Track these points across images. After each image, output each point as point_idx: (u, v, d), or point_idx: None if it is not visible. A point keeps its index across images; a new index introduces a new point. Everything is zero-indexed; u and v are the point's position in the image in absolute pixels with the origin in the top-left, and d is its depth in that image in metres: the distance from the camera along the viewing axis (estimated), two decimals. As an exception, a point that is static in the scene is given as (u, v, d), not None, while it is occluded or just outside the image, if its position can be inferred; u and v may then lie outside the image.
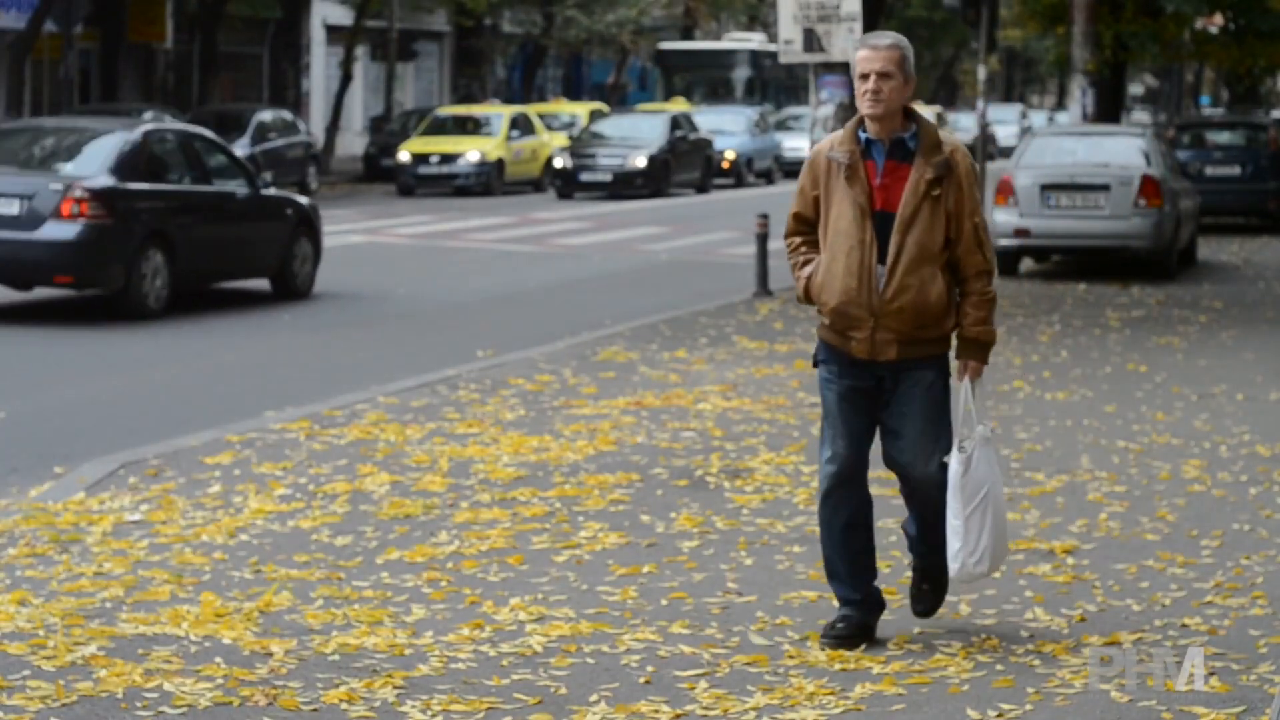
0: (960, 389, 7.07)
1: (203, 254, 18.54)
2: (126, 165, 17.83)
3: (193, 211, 18.59)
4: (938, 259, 7.00)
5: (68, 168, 17.94)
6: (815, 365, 7.23)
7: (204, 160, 19.18)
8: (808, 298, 7.19)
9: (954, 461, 7.08)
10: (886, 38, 7.09)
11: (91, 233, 17.16)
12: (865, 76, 6.98)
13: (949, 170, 6.97)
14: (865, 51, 7.02)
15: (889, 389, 7.11)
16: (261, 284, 19.77)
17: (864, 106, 6.98)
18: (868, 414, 7.14)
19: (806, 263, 7.23)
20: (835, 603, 7.29)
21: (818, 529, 8.97)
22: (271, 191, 20.00)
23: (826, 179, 7.11)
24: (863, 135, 7.07)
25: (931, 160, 6.97)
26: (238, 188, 19.31)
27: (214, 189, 19.00)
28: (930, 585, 7.35)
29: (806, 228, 7.26)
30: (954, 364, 7.24)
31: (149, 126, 19.41)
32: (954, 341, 7.20)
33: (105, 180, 17.47)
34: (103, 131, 18.86)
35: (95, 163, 17.86)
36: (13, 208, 17.26)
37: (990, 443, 7.16)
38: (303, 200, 20.63)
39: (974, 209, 7.02)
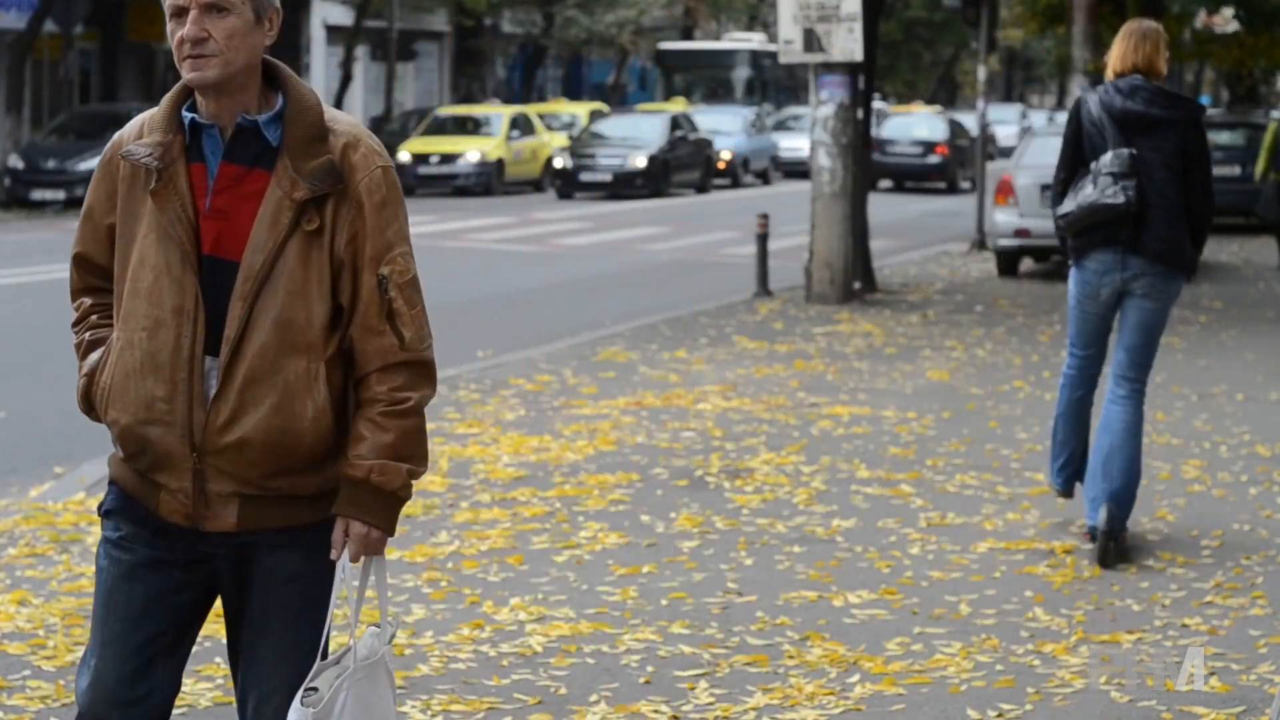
0: (337, 574, 4.10)
1: None
2: None
3: None
4: (321, 345, 4.01)
5: None
6: (103, 523, 4.29)
7: None
8: (89, 406, 4.22)
9: (294, 716, 4.04)
10: None
11: None
12: (179, 13, 4.02)
13: (338, 182, 3.99)
14: None
15: (229, 582, 4.14)
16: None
17: (183, 68, 4.01)
18: (187, 616, 4.17)
19: (94, 345, 4.19)
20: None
21: (817, 529, 9.01)
22: None
23: (128, 195, 4.09)
24: (188, 116, 4.08)
25: (307, 164, 3.99)
26: None
27: None
28: None
29: (99, 280, 4.20)
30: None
31: None
32: None
33: None
34: None
35: None
36: None
37: (378, 670, 4.12)
38: None
39: (385, 249, 4.02)
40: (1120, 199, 8.27)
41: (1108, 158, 8.34)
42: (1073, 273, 8.60)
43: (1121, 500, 8.40)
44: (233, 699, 4.02)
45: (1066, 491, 9.04)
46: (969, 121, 56.05)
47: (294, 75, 4.11)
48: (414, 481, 4.13)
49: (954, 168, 43.32)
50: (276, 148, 4.01)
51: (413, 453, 4.09)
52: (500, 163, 40.13)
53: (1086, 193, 8.40)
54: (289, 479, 4.03)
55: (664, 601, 7.74)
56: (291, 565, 4.08)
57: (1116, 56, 8.47)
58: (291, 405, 3.98)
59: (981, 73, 28.57)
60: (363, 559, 4.11)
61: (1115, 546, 8.39)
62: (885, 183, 43.05)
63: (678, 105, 49.13)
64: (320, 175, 3.98)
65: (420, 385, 4.07)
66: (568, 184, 38.75)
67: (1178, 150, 8.36)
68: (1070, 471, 8.91)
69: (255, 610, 4.11)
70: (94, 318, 4.20)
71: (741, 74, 58.11)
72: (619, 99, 60.51)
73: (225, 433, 3.98)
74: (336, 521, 4.06)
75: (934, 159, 43.27)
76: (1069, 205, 8.47)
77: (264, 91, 4.06)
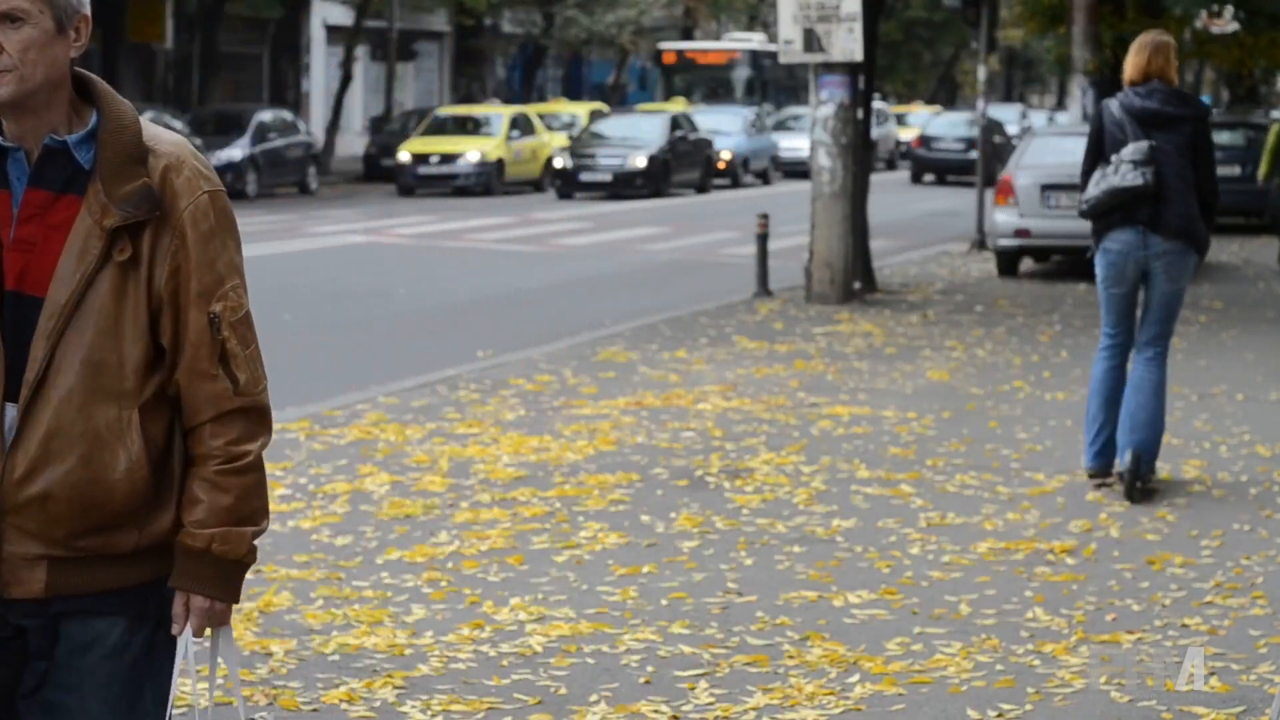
0: (180, 649, 3.68)
1: None
2: None
3: None
4: (135, 390, 3.58)
5: None
6: None
7: None
8: None
9: None
10: None
11: None
12: None
13: (155, 208, 3.56)
14: None
15: (38, 654, 3.66)
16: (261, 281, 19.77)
17: None
18: (4, 692, 3.66)
19: None
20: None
21: (817, 529, 9.01)
22: None
23: None
24: None
25: (120, 188, 3.56)
26: None
27: None
28: None
29: None
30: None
31: None
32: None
33: None
34: None
35: None
36: None
37: None
38: None
39: (216, 284, 3.58)
40: (1140, 181, 9.52)
41: (1128, 149, 9.58)
42: (1098, 257, 9.83)
43: (1147, 448, 9.71)
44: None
45: (1096, 471, 9.91)
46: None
47: (110, 90, 3.65)
48: (257, 542, 3.67)
49: (993, 163, 44.83)
50: (89, 171, 3.55)
51: (254, 510, 3.62)
52: (500, 163, 40.14)
53: (1110, 180, 9.63)
54: (102, 537, 3.57)
55: (664, 601, 7.74)
56: (113, 637, 3.62)
57: (1133, 66, 9.73)
58: (102, 456, 3.53)
59: (981, 73, 28.57)
60: (216, 638, 3.69)
61: (1141, 486, 9.71)
62: (929, 176, 46.90)
63: (678, 105, 49.14)
64: (135, 200, 3.53)
65: (258, 434, 3.63)
66: (568, 184, 38.75)
67: (1189, 142, 9.64)
68: (1101, 445, 9.89)
69: (65, 693, 3.62)
70: None
71: (741, 74, 58.12)
72: (619, 99, 60.52)
73: (24, 486, 3.52)
74: (175, 596, 3.63)
75: (975, 154, 45.36)
76: (1092, 191, 9.72)
77: (79, 108, 3.62)
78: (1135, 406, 9.80)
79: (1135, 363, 9.93)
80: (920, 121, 63.20)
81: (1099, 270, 9.83)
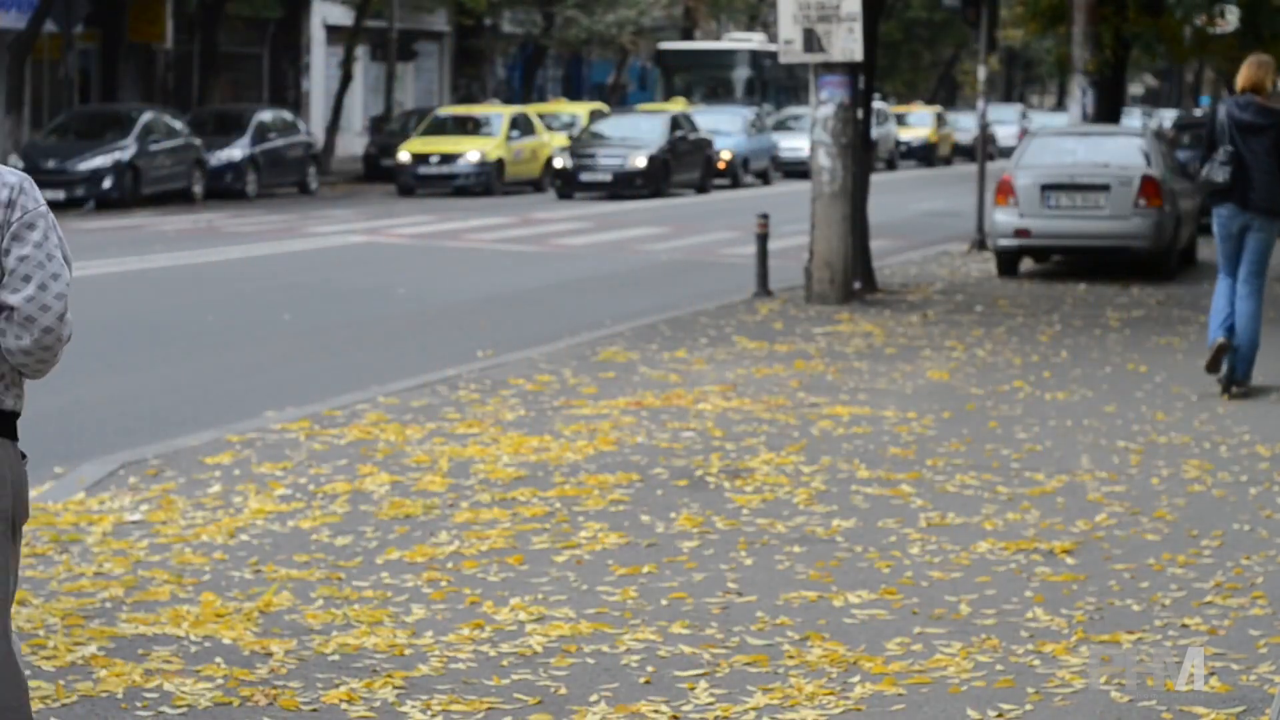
0: None
1: None
2: None
3: None
4: None
5: None
6: None
7: None
8: None
9: None
10: None
11: None
12: None
13: None
14: None
15: None
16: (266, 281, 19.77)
17: None
18: None
19: None
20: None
21: (817, 529, 9.02)
22: None
23: None
24: None
25: None
26: None
27: None
28: None
29: None
30: None
31: None
32: None
33: None
34: None
35: None
36: None
37: None
38: None
39: None
40: (1221, 178, 12.82)
41: (1220, 152, 12.81)
42: (1214, 221, 13.08)
43: (1243, 358, 12.98)
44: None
45: (1224, 339, 12.88)
46: (968, 121, 56.20)
47: None
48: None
49: None
50: None
51: None
52: (500, 163, 40.13)
53: (1206, 172, 12.93)
54: None
55: (664, 601, 7.74)
56: None
57: (1240, 78, 12.93)
58: None
59: (981, 73, 28.55)
60: None
61: (1236, 389, 13.00)
62: None
63: (678, 105, 49.13)
64: None
65: None
66: (568, 184, 38.75)
67: (1273, 143, 12.79)
68: (1223, 320, 12.90)
69: None
70: None
71: (741, 74, 58.10)
72: (619, 99, 60.51)
73: None
74: None
75: None
76: (1203, 175, 13.02)
77: None
78: (1238, 328, 12.96)
79: (1239, 296, 13.02)
80: (917, 120, 63.48)
81: (1215, 228, 13.06)
